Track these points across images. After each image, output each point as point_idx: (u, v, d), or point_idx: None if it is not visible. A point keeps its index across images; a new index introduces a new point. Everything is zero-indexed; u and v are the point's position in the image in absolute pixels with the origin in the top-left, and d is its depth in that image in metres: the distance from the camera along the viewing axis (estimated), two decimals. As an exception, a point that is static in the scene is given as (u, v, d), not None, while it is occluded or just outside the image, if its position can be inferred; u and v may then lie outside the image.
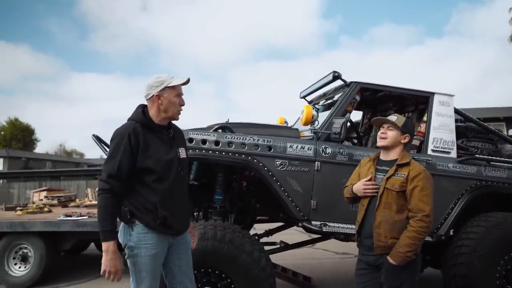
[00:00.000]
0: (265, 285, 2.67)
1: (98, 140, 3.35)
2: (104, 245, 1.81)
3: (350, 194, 2.36)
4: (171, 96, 1.99)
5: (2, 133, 38.16)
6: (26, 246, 4.64)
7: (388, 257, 2.12)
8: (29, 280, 4.53)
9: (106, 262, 1.81)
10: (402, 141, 2.27)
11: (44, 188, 11.12)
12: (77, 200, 10.50)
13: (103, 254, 1.83)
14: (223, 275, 2.71)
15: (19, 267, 4.62)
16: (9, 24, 72.70)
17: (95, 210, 5.48)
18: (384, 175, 2.22)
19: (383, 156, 2.32)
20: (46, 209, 5.88)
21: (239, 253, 2.64)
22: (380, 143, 2.30)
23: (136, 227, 1.92)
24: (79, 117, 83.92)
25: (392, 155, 2.27)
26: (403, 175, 2.16)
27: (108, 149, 3.43)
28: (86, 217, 4.71)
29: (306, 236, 4.69)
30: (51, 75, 79.50)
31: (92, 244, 6.37)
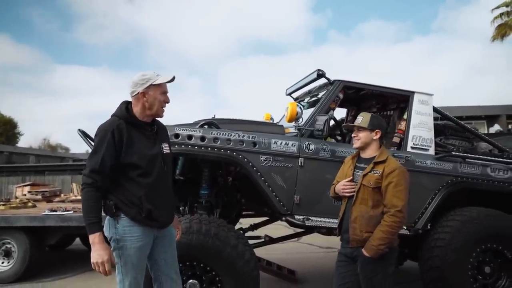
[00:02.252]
0: (249, 278, 2.74)
1: (84, 135, 3.35)
2: (91, 238, 1.85)
3: (333, 193, 2.48)
4: (156, 94, 2.03)
5: (-17, 126, 37.10)
6: (9, 241, 4.59)
7: (363, 250, 2.23)
8: (13, 275, 4.50)
9: (93, 254, 1.85)
10: (374, 137, 2.37)
11: (28, 183, 10.92)
12: (62, 195, 10.37)
13: (91, 247, 1.86)
14: (208, 268, 2.76)
15: (2, 262, 4.58)
16: (-13, 13, 70.08)
17: (80, 205, 5.46)
18: (362, 172, 2.33)
19: (362, 154, 2.43)
20: (30, 204, 5.82)
21: (224, 247, 2.70)
22: (354, 145, 2.43)
23: (121, 220, 1.97)
24: (64, 111, 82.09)
25: (369, 152, 2.38)
26: (378, 172, 2.26)
27: (90, 144, 3.45)
28: (71, 212, 4.69)
29: (290, 231, 4.79)
30: (34, 67, 77.12)
31: (78, 239, 6.35)
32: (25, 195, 8.44)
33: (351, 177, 2.36)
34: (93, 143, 3.49)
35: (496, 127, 20.51)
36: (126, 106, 2.05)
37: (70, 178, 19.35)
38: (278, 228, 4.60)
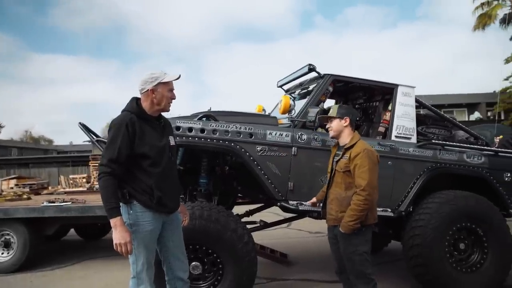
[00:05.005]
0: (248, 259, 2.97)
1: (85, 128, 3.47)
2: (112, 222, 2.02)
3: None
4: (164, 91, 2.21)
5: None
6: (8, 232, 4.69)
7: (340, 227, 2.53)
8: (12, 265, 4.62)
9: (116, 236, 2.02)
10: (345, 124, 2.64)
11: (14, 176, 10.83)
12: (50, 187, 10.34)
13: (113, 230, 2.03)
14: (210, 251, 2.98)
15: (2, 253, 4.69)
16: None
17: (77, 196, 5.56)
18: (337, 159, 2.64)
19: (340, 143, 2.72)
20: (25, 196, 5.89)
21: (225, 231, 2.91)
22: (330, 135, 2.75)
23: (134, 207, 2.15)
24: (44, 101, 79.69)
25: (343, 139, 2.67)
26: (347, 157, 2.56)
27: (94, 137, 3.58)
28: (70, 203, 4.81)
29: (280, 217, 5.01)
30: (9, 55, 73.54)
31: (72, 230, 6.46)
32: (12, 188, 8.42)
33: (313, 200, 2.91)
34: (94, 136, 3.64)
35: (476, 115, 21.28)
36: (136, 101, 2.22)
37: (57, 171, 19.16)
38: (268, 216, 4.85)
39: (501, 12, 19.80)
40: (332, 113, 2.68)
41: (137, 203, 2.15)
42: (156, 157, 2.17)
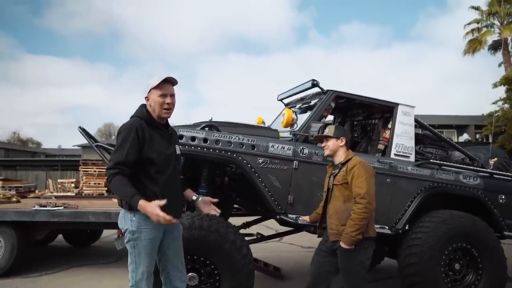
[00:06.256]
0: (245, 271, 2.94)
1: (85, 132, 3.44)
2: (140, 207, 1.98)
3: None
4: (155, 96, 2.20)
5: None
6: (-4, 236, 4.56)
7: (340, 242, 2.53)
8: (-1, 269, 4.48)
9: (152, 216, 1.97)
10: (340, 144, 2.75)
11: (0, 178, 10.57)
12: (37, 191, 10.11)
13: (145, 211, 1.98)
14: (207, 262, 2.94)
15: (-12, 257, 4.54)
16: None
17: (69, 201, 5.45)
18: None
19: (335, 161, 2.80)
20: (14, 199, 5.75)
21: (224, 242, 2.89)
22: (325, 153, 2.85)
23: (137, 214, 2.12)
24: (35, 103, 78.30)
25: (339, 158, 2.76)
26: (344, 170, 2.63)
27: (91, 141, 3.54)
28: (62, 207, 4.71)
29: (272, 231, 5.00)
30: (0, 54, 72.46)
31: (60, 236, 6.31)
32: (-3, 190, 8.21)
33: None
34: (93, 141, 3.61)
35: (465, 136, 21.75)
36: (145, 108, 2.22)
37: (45, 174, 18.81)
38: (260, 229, 4.84)
39: (490, 39, 20.51)
40: (329, 132, 2.78)
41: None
42: (163, 165, 2.17)
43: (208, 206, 2.48)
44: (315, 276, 2.71)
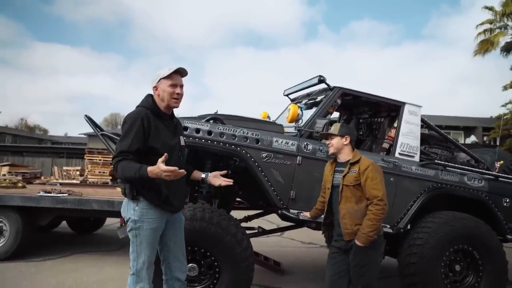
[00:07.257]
0: (245, 264, 2.96)
1: (91, 121, 3.46)
2: (149, 173, 1.96)
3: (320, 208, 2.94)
4: (165, 86, 2.21)
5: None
6: (1, 219, 4.63)
7: (355, 240, 2.54)
8: (3, 253, 4.55)
9: (160, 172, 1.94)
10: (345, 142, 2.72)
11: (7, 163, 10.69)
12: (42, 177, 10.22)
13: (157, 176, 1.97)
14: (208, 254, 2.96)
15: (-7, 240, 4.62)
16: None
17: (73, 188, 5.51)
18: (341, 175, 2.66)
19: (338, 159, 2.77)
20: (20, 184, 5.83)
21: (225, 234, 2.91)
22: (330, 151, 2.81)
23: (140, 203, 2.15)
24: (43, 91, 79.09)
25: (344, 156, 2.74)
26: (355, 171, 2.61)
27: (96, 130, 3.56)
28: (66, 194, 4.76)
29: (274, 225, 5.01)
30: (10, 41, 72.77)
31: (64, 222, 6.39)
32: (4, 175, 8.31)
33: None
34: (99, 129, 3.63)
35: (472, 138, 21.53)
36: (151, 98, 2.23)
37: (51, 161, 19.01)
38: (261, 223, 4.85)
39: (502, 40, 20.15)
40: (334, 131, 2.76)
41: (144, 200, 2.15)
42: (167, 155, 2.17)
43: (218, 178, 2.48)
44: (333, 278, 2.67)
